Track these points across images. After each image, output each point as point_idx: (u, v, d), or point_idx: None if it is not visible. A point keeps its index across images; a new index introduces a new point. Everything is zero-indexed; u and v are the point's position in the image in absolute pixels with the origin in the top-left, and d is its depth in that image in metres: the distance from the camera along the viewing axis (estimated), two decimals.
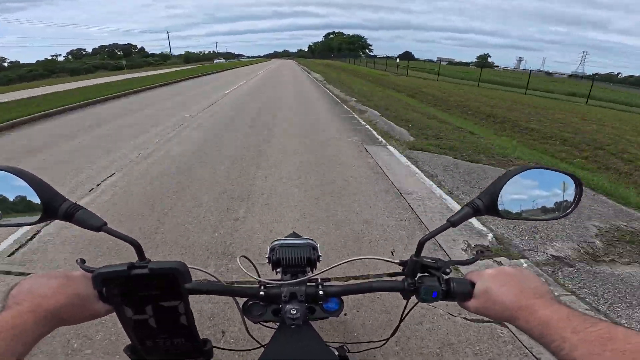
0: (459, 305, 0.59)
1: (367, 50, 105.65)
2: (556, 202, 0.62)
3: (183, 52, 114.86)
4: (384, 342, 0.76)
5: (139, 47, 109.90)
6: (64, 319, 0.47)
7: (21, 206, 0.52)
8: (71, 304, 0.48)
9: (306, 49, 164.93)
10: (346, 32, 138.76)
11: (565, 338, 0.41)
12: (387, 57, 32.90)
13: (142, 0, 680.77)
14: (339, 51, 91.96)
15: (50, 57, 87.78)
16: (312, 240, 0.76)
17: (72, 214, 0.52)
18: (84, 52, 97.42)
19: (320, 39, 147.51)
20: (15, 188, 0.51)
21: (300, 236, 0.93)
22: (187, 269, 0.53)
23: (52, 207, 0.51)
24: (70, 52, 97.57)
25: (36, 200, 0.51)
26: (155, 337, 0.56)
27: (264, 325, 0.70)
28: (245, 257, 0.74)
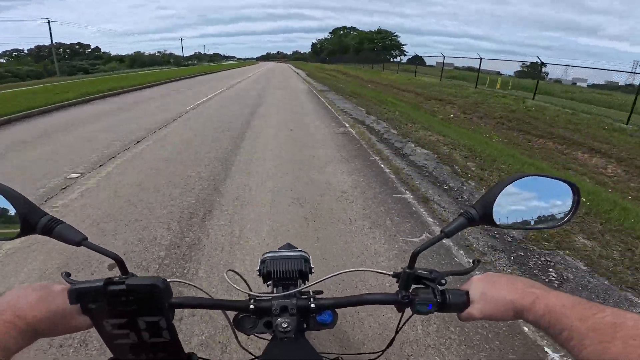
0: (459, 319, 0.56)
1: (397, 52, 63.93)
2: (553, 210, 0.60)
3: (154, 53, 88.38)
4: (380, 353, 0.74)
5: (93, 46, 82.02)
6: (43, 331, 0.47)
7: None
8: (50, 317, 0.47)
9: (303, 51, 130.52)
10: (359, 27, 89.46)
11: (573, 327, 0.40)
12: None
13: (133, 1, 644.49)
14: (357, 52, 60.01)
15: None
16: (304, 252, 0.74)
17: (52, 228, 0.51)
18: (19, 53, 71.55)
19: (313, 41, 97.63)
20: None
21: (295, 247, 0.91)
22: (168, 284, 0.52)
23: (31, 221, 0.51)
24: (5, 54, 70.21)
25: (14, 214, 0.50)
26: (137, 351, 0.55)
27: (257, 336, 0.67)
28: (233, 271, 0.72)
